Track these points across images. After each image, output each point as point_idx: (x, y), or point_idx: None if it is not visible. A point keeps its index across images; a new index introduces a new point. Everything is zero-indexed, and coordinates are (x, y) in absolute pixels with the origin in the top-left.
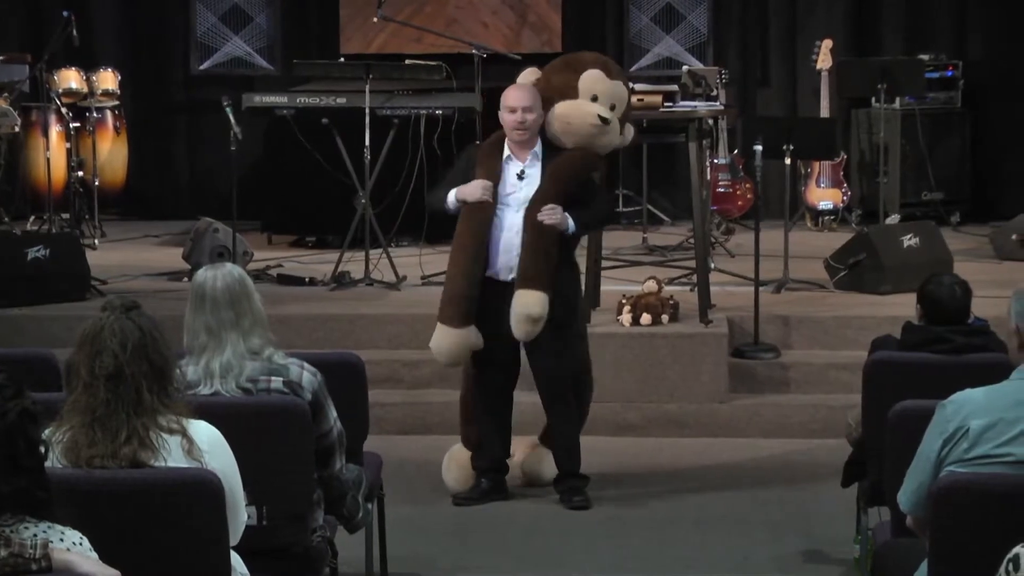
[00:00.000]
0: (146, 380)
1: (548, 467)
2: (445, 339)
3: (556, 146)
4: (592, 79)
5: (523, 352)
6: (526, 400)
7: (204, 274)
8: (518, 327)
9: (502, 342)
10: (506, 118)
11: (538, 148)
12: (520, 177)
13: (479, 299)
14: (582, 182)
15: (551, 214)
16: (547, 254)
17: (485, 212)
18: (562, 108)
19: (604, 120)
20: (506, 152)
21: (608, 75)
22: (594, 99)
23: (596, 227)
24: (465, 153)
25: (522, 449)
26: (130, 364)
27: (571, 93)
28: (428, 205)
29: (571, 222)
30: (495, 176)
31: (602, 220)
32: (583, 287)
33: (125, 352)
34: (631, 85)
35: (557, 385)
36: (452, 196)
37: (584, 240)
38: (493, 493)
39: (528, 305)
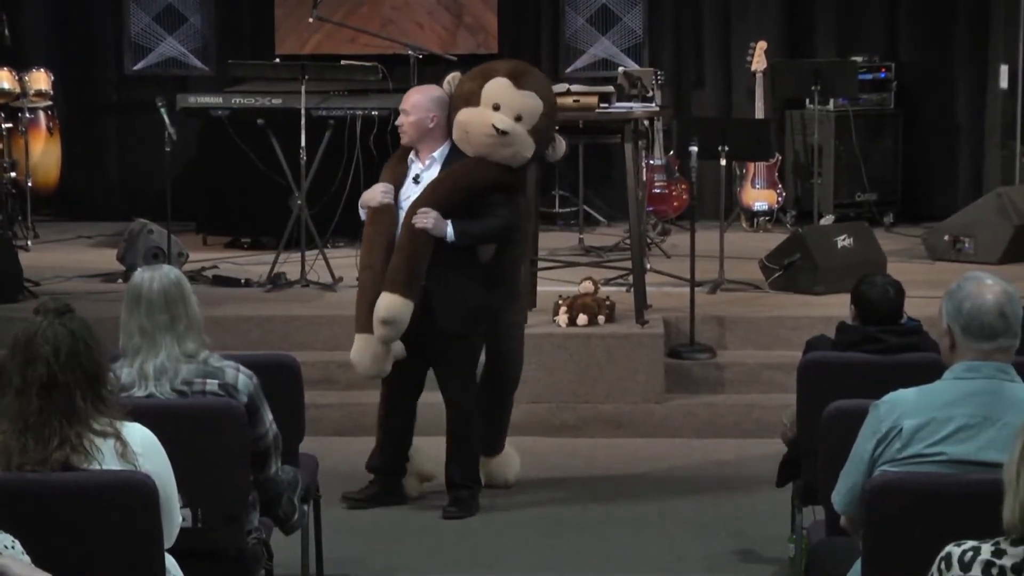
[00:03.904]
0: (80, 387)
1: (511, 468)
2: (363, 348)
3: (462, 153)
4: (496, 88)
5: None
6: (433, 400)
7: (141, 275)
8: (374, 328)
9: (406, 347)
10: None
11: (439, 153)
12: (416, 181)
13: None
14: (474, 192)
15: (422, 217)
16: (410, 258)
17: (387, 215)
18: (462, 116)
19: (499, 130)
20: (410, 156)
21: (516, 85)
22: (496, 108)
23: (482, 240)
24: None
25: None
26: (63, 372)
27: (474, 100)
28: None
29: (450, 229)
30: (398, 179)
31: (490, 234)
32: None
33: (58, 360)
34: (567, 87)
35: (451, 398)
36: (360, 208)
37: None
38: (385, 496)
39: (379, 308)
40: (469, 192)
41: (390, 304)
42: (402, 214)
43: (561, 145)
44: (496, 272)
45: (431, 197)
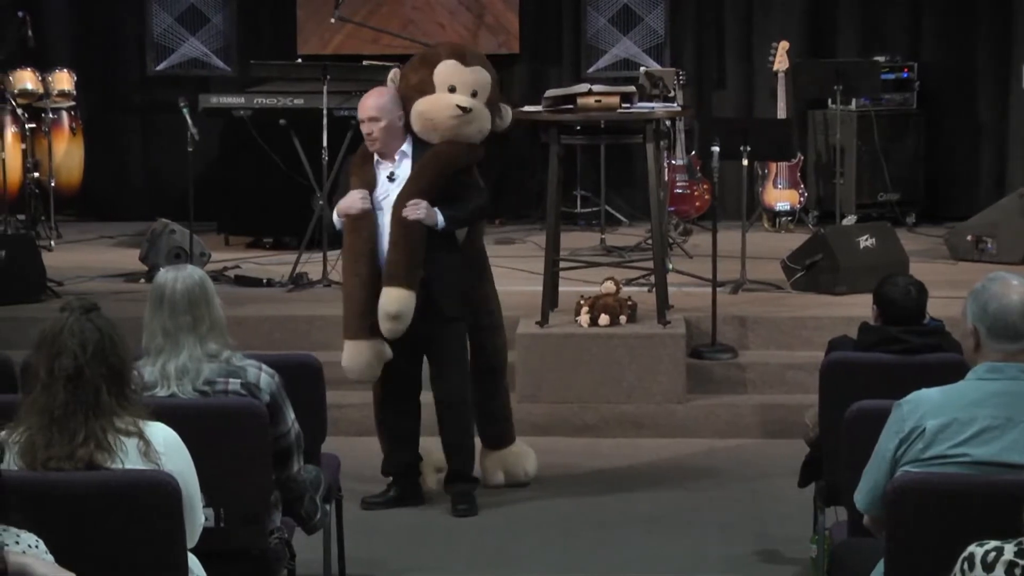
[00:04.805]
0: (105, 382)
1: (528, 460)
2: (358, 354)
3: (426, 143)
4: (446, 70)
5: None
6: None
7: (165, 275)
8: (381, 325)
9: (400, 345)
10: (361, 129)
11: (406, 147)
12: (391, 179)
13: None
14: (451, 176)
15: (413, 209)
16: (409, 251)
17: (367, 220)
18: (421, 105)
19: (463, 109)
20: (376, 157)
21: (463, 63)
22: (452, 90)
23: (469, 221)
24: (345, 167)
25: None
26: (89, 366)
27: (428, 88)
28: (331, 228)
29: (440, 217)
30: (370, 183)
31: (474, 214)
32: (486, 280)
33: (85, 353)
34: (588, 87)
35: (448, 386)
36: (335, 216)
37: (542, 241)
38: (405, 498)
39: (386, 303)
40: (450, 176)
41: (397, 298)
42: (381, 215)
43: (507, 112)
44: (469, 251)
45: (417, 188)
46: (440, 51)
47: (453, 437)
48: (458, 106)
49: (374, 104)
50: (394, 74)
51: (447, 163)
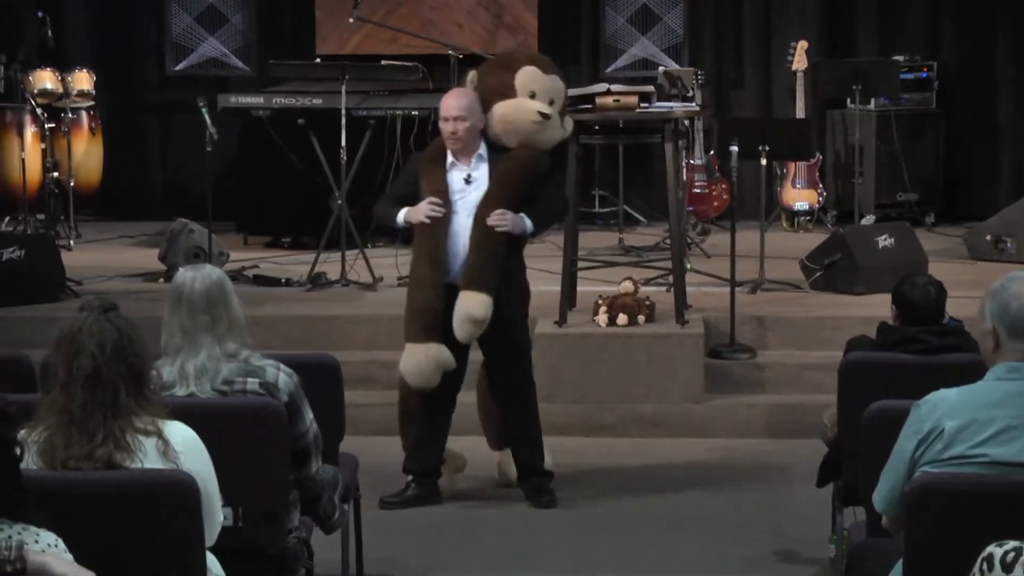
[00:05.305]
0: (123, 382)
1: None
2: (411, 358)
3: (499, 146)
4: (528, 76)
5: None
6: (462, 401)
7: (184, 275)
8: (460, 329)
9: (455, 347)
10: (442, 127)
11: (482, 150)
12: (468, 181)
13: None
14: (531, 181)
15: (500, 219)
16: (493, 257)
17: (438, 222)
18: (502, 108)
19: (545, 116)
20: (449, 159)
21: (543, 71)
22: (532, 95)
23: (552, 223)
24: (409, 163)
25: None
26: (108, 365)
27: (509, 92)
28: (377, 219)
29: (528, 223)
30: (441, 184)
31: (556, 215)
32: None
33: (103, 353)
34: (607, 87)
35: (514, 382)
36: (402, 217)
37: (560, 241)
38: (424, 498)
39: (472, 308)
40: (527, 183)
41: (482, 302)
42: (455, 216)
43: (569, 123)
44: (522, 259)
45: (502, 195)
46: (519, 56)
47: (520, 431)
48: (539, 112)
49: (461, 104)
50: (472, 76)
51: (528, 168)
